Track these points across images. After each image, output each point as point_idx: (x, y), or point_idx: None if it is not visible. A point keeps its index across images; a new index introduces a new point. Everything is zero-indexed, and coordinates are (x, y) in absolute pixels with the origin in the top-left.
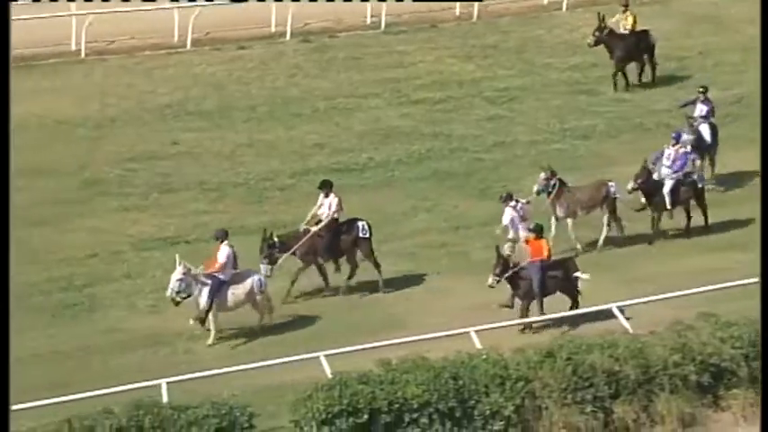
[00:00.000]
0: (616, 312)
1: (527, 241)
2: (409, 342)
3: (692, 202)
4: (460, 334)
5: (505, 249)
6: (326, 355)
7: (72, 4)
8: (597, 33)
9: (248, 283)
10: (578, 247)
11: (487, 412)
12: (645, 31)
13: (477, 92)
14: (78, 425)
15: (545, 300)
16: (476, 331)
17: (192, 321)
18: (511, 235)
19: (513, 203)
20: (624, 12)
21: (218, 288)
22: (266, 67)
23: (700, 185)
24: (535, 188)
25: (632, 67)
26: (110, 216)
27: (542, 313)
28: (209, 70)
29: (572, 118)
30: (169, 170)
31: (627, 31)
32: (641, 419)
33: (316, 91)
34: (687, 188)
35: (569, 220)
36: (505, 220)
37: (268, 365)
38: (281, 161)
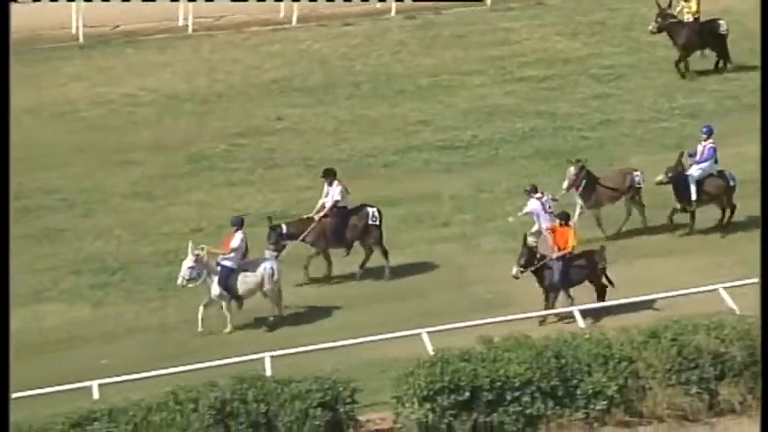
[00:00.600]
0: (723, 294)
1: (553, 229)
2: (512, 320)
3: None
4: (563, 313)
5: (530, 240)
6: (429, 332)
7: None
8: (659, 20)
9: (260, 271)
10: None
11: (590, 392)
12: (713, 21)
13: (583, 69)
14: (184, 396)
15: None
16: (579, 310)
17: (226, 315)
18: (534, 227)
19: (538, 195)
20: None
21: (228, 276)
22: (371, 43)
23: (731, 183)
24: (564, 184)
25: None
26: (215, 191)
27: (570, 304)
28: (315, 46)
29: (679, 96)
30: (274, 146)
31: (691, 18)
32: (747, 401)
33: (420, 68)
34: (717, 183)
35: (595, 211)
36: (527, 209)
37: (371, 341)
38: (384, 138)
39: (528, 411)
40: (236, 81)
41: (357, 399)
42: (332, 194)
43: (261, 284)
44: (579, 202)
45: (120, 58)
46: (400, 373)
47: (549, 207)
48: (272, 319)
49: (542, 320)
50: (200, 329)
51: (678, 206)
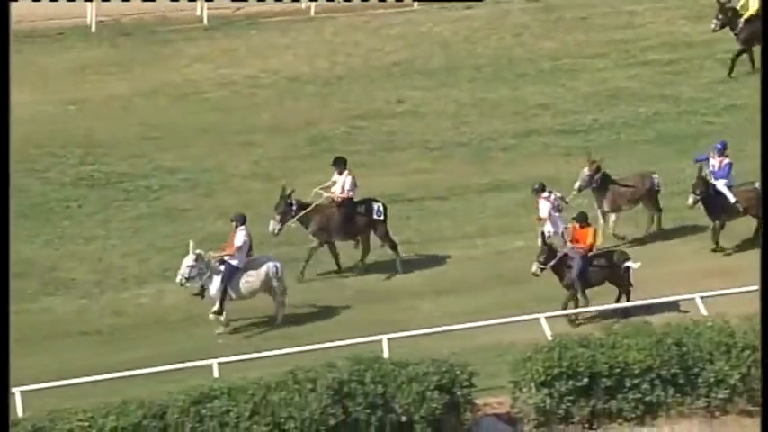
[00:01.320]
0: None
1: (573, 229)
2: (631, 306)
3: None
4: (685, 300)
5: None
6: (547, 317)
7: None
8: (720, 16)
9: (263, 270)
10: (622, 239)
11: (712, 380)
12: None
13: (709, 53)
14: (302, 376)
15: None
16: (701, 297)
17: (211, 316)
18: (549, 228)
19: (546, 195)
20: None
21: (231, 275)
22: (492, 26)
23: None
24: (577, 184)
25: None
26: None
27: (586, 303)
28: (436, 29)
29: None
30: (394, 128)
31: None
32: None
33: (541, 51)
34: (747, 193)
35: (613, 215)
36: (543, 212)
37: (488, 325)
38: (504, 121)
39: (647, 398)
40: (357, 63)
41: (474, 382)
42: (342, 184)
43: (264, 283)
44: (599, 207)
45: (243, 39)
46: (518, 358)
47: (558, 206)
48: (279, 319)
49: (574, 319)
50: (220, 331)
51: (716, 225)
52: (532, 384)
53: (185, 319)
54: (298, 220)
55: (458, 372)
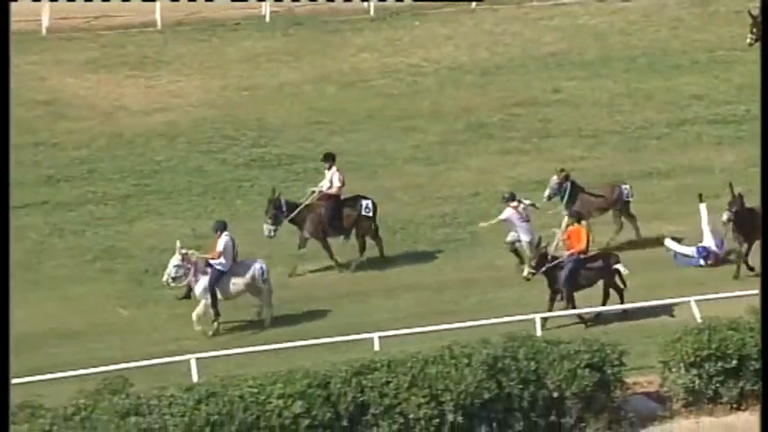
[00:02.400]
0: None
1: (568, 229)
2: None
3: None
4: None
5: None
6: (696, 300)
7: None
8: (755, 31)
9: (250, 272)
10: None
11: None
12: None
13: None
14: (458, 352)
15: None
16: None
17: (195, 318)
18: (510, 236)
19: (514, 203)
20: None
21: (218, 278)
22: (648, 19)
23: None
24: (546, 192)
25: None
26: (491, 158)
27: (570, 306)
28: (592, 21)
29: None
30: (549, 116)
31: None
32: None
33: (696, 43)
34: None
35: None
36: (502, 216)
37: (639, 307)
38: (658, 111)
39: None
40: (515, 54)
41: (624, 361)
42: (330, 179)
43: (250, 284)
44: (564, 211)
45: (406, 30)
46: (667, 339)
47: (526, 216)
48: (267, 320)
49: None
50: (210, 334)
51: (742, 248)
52: (681, 365)
53: (348, 294)
54: (291, 221)
55: (608, 351)
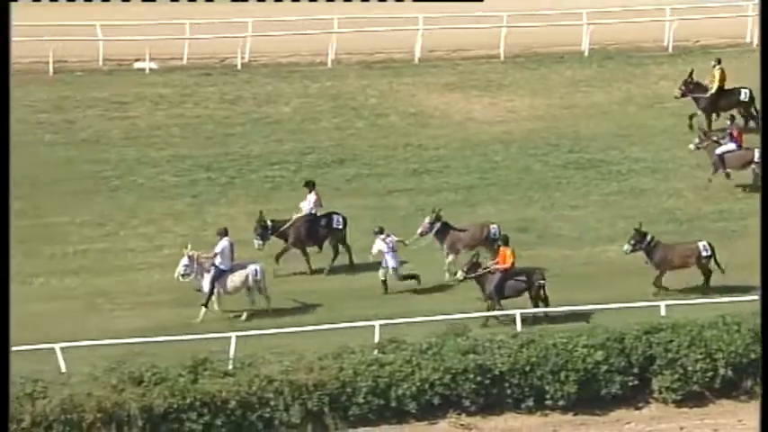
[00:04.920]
0: None
1: (498, 249)
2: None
3: None
4: (503, 317)
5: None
6: None
7: None
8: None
9: (245, 272)
10: (447, 277)
11: None
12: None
13: None
14: (730, 320)
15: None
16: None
17: (202, 308)
18: (390, 263)
19: (382, 236)
20: None
21: (220, 276)
22: None
23: None
24: (419, 230)
25: None
26: None
27: (496, 309)
28: None
29: None
30: None
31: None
32: None
33: None
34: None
35: (451, 256)
36: (374, 250)
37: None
38: None
39: None
40: None
41: None
42: (308, 202)
43: (245, 283)
44: (441, 249)
45: (699, 65)
46: None
47: (393, 247)
48: (268, 309)
49: (485, 323)
50: (200, 318)
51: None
52: None
53: (639, 270)
54: (277, 236)
55: None
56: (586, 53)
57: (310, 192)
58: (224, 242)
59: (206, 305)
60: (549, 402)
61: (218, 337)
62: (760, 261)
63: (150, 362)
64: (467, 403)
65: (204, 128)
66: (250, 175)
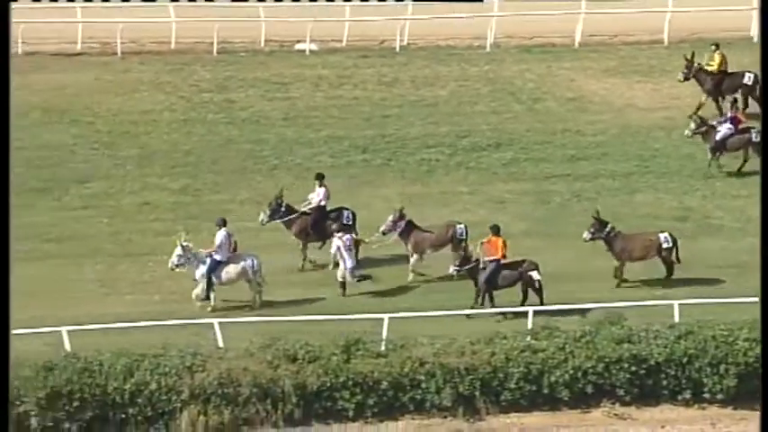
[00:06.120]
0: None
1: (487, 240)
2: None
3: None
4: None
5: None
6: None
7: None
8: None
9: (241, 264)
10: (411, 278)
11: None
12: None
13: None
14: None
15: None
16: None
17: (194, 296)
18: (347, 263)
19: (339, 235)
20: None
21: (215, 267)
22: None
23: None
24: (381, 228)
25: None
26: None
27: (492, 305)
28: None
29: None
30: None
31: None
32: None
33: None
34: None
35: (415, 256)
36: (332, 248)
37: None
38: None
39: None
40: None
41: None
42: (317, 195)
43: (241, 275)
44: (405, 248)
45: None
46: None
47: (349, 245)
48: (257, 302)
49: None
50: (208, 310)
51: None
52: None
53: None
54: (282, 222)
55: None
56: (755, 38)
57: (320, 185)
58: (222, 233)
59: (207, 297)
60: (707, 395)
61: (371, 318)
62: (760, 261)
63: (304, 339)
64: (621, 393)
65: (361, 109)
66: (406, 158)
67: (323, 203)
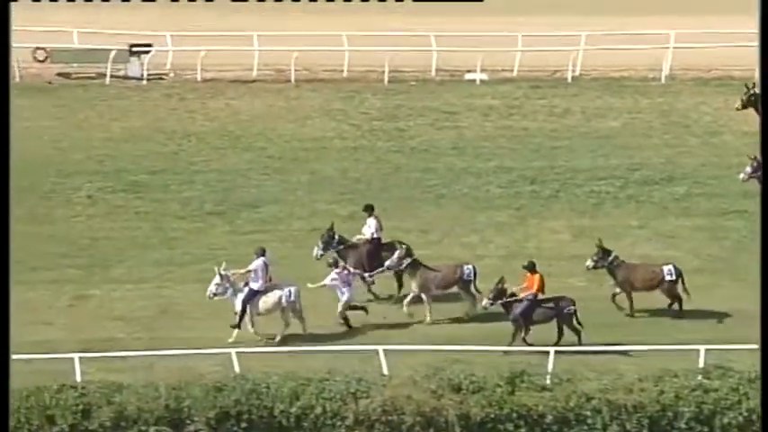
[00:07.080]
0: None
1: (526, 276)
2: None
3: None
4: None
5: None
6: None
7: None
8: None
9: (277, 293)
10: (406, 311)
11: None
12: None
13: None
14: None
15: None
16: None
17: (232, 327)
18: (345, 295)
19: (338, 270)
20: None
21: (252, 296)
22: None
23: None
24: (387, 263)
25: None
26: None
27: (525, 341)
28: None
29: None
30: None
31: None
32: None
33: None
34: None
35: (423, 296)
36: (326, 281)
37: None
38: None
39: None
40: None
41: None
42: (369, 227)
43: (278, 305)
44: (411, 288)
45: None
46: None
47: (349, 280)
48: (304, 332)
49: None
50: (232, 339)
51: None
52: None
53: None
54: (337, 253)
55: None
56: None
57: (370, 216)
58: (258, 261)
59: (239, 326)
60: None
61: (538, 351)
62: (760, 261)
63: (468, 370)
64: None
65: (531, 140)
66: (575, 189)
67: (375, 235)
